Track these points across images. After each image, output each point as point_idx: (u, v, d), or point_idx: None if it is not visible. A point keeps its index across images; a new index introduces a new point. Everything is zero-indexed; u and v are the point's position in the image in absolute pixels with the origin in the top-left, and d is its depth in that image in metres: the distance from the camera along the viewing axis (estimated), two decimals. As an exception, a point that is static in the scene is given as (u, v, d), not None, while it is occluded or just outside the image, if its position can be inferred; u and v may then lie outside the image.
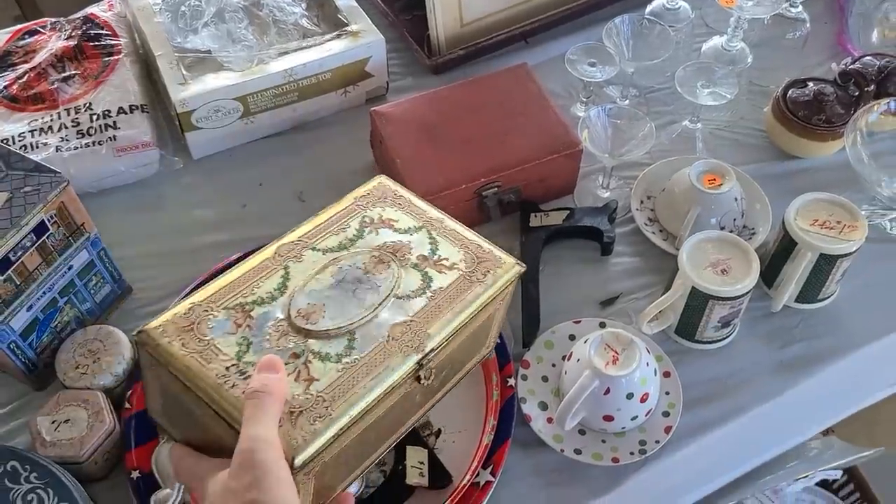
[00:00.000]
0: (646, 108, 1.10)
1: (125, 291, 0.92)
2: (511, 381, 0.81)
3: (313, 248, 0.68)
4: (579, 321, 0.88)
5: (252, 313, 0.62)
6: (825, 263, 0.85)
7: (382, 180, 0.75)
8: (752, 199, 0.96)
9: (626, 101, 1.09)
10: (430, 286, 0.66)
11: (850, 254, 0.85)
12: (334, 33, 1.05)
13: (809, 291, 0.89)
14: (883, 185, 0.95)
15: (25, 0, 2.05)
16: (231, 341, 0.60)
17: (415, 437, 0.79)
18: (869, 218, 0.96)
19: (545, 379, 0.85)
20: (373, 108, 0.98)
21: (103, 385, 0.80)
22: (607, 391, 0.77)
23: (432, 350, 0.63)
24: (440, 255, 0.68)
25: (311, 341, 0.61)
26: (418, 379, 0.64)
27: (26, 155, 0.91)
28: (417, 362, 0.62)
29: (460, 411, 0.81)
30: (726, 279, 0.82)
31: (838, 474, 1.14)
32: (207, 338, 0.60)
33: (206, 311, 0.62)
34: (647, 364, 0.78)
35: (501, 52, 1.16)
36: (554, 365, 0.85)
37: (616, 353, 0.78)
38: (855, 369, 0.88)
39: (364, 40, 1.04)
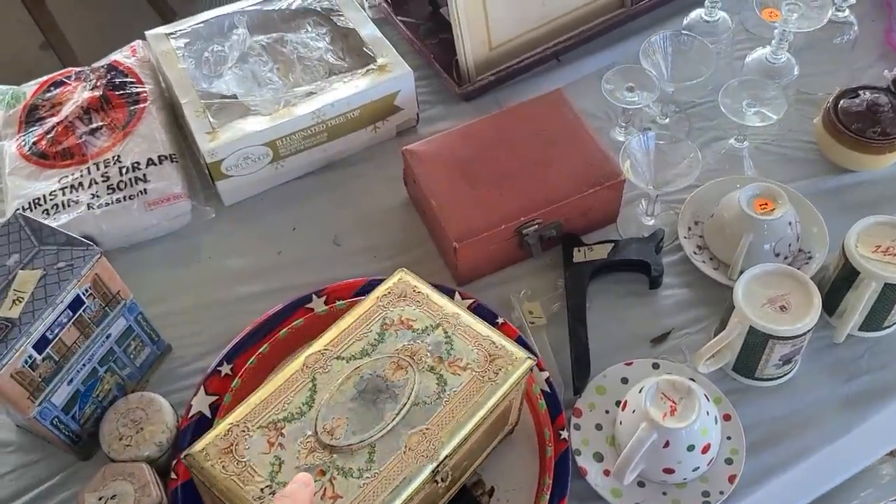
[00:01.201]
0: (687, 125, 1.05)
1: (165, 351, 0.91)
2: (564, 434, 0.78)
3: (338, 357, 0.71)
4: (631, 363, 0.85)
5: (284, 430, 0.67)
6: (891, 292, 0.81)
7: (403, 276, 0.78)
8: (807, 222, 0.92)
9: (667, 119, 1.04)
10: (444, 390, 0.69)
11: (918, 282, 0.80)
12: (362, 70, 1.02)
13: (874, 320, 0.84)
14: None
15: (48, 25, 2.06)
16: (265, 461, 0.65)
17: (468, 497, 0.77)
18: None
19: (599, 427, 0.81)
20: (405, 148, 0.96)
21: (148, 456, 0.79)
22: (666, 444, 0.74)
23: (447, 457, 0.66)
24: (454, 356, 0.71)
25: (335, 456, 0.66)
26: (436, 481, 0.67)
27: (57, 224, 0.92)
28: (433, 470, 0.66)
29: (513, 468, 0.79)
30: (786, 317, 0.78)
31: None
32: (244, 459, 0.66)
33: (243, 431, 0.67)
34: (708, 413, 0.75)
35: (533, 72, 1.12)
36: (607, 412, 0.82)
37: (674, 402, 0.75)
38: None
39: (392, 74, 1.01)
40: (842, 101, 0.97)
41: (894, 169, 0.98)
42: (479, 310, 0.86)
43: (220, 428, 0.68)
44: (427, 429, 0.66)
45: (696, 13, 1.06)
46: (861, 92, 0.97)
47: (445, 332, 0.72)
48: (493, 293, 0.92)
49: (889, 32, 1.11)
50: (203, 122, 0.98)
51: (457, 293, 0.87)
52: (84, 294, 0.76)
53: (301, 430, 0.67)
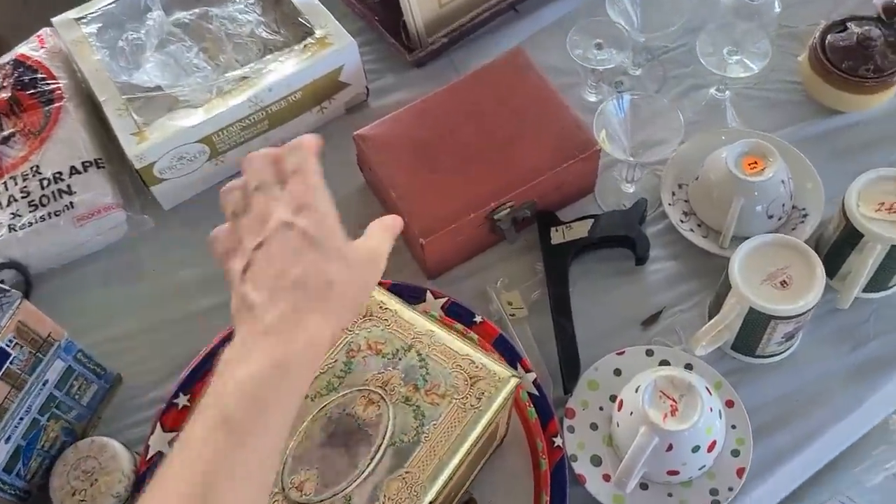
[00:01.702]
0: (662, 73, 0.96)
1: (114, 383, 0.83)
2: (557, 442, 0.72)
3: None
4: (623, 352, 0.78)
5: None
6: (897, 253, 0.74)
7: None
8: (800, 176, 0.84)
9: (639, 71, 0.95)
10: (423, 424, 0.62)
11: (927, 241, 0.73)
12: (299, 45, 0.91)
13: (879, 280, 0.78)
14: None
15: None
16: None
17: (460, 520, 0.71)
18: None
19: (594, 426, 0.75)
20: (356, 133, 0.86)
21: (107, 508, 0.72)
22: (670, 447, 0.68)
23: (431, 502, 0.59)
24: (431, 382, 0.64)
25: None
26: None
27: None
28: None
29: (506, 482, 0.73)
30: (788, 293, 0.72)
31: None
32: None
33: None
34: (711, 409, 0.69)
35: (489, 27, 1.02)
36: (602, 408, 0.76)
37: (674, 401, 0.69)
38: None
39: (333, 47, 0.91)
40: (829, 37, 0.89)
41: (887, 108, 0.90)
42: (454, 308, 0.79)
43: None
44: (407, 472, 0.59)
45: (664, -52, 0.96)
46: (849, 24, 0.89)
47: (419, 355, 0.65)
48: (468, 285, 0.85)
49: (872, -49, 1.01)
50: (127, 121, 0.87)
51: (428, 293, 0.79)
52: (9, 345, 0.68)
53: None
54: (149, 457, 0.74)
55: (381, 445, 0.60)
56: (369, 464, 0.59)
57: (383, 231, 0.55)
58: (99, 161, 0.91)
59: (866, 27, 0.87)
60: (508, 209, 0.82)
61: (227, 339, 0.76)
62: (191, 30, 0.95)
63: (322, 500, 0.59)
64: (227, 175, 0.93)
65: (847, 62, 0.87)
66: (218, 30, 0.96)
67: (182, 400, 0.77)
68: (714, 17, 0.90)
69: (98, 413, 0.81)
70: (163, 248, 0.91)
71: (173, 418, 0.76)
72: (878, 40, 0.86)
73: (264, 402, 0.45)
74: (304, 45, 0.91)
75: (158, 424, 0.76)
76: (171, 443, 0.74)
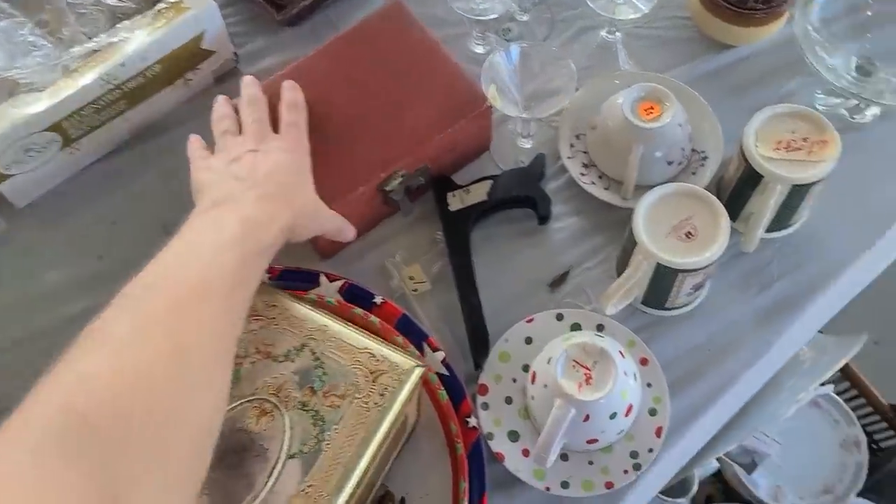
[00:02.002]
0: (550, 17, 0.92)
1: (-19, 410, 0.74)
2: (472, 422, 0.68)
3: None
4: (532, 319, 0.75)
5: None
6: (798, 192, 0.73)
7: None
8: (697, 117, 0.82)
9: (526, 16, 0.90)
10: (323, 431, 0.57)
11: (825, 178, 0.72)
12: (151, 12, 0.81)
13: (780, 220, 0.77)
14: (838, 69, 0.81)
15: None
16: None
17: (376, 515, 0.67)
18: (826, 108, 0.84)
19: (509, 400, 0.72)
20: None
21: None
22: (586, 417, 0.65)
23: None
24: (329, 383, 0.59)
25: None
26: None
27: None
28: None
29: (422, 470, 0.69)
30: (694, 245, 0.69)
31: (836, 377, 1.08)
32: None
33: None
34: (626, 373, 0.67)
35: (361, -24, 0.94)
36: (515, 380, 0.73)
37: (587, 368, 0.66)
38: (845, 292, 0.79)
39: (191, 12, 0.81)
40: (716, -31, 0.86)
41: (776, 39, 0.88)
42: (352, 290, 0.73)
43: None
44: (310, 486, 0.55)
45: None
46: (735, -45, 0.86)
47: (314, 353, 0.59)
48: (365, 262, 0.79)
49: None
50: (-42, 113, 0.76)
51: (322, 277, 0.73)
52: None
53: None
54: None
55: (278, 459, 0.55)
56: (266, 482, 0.54)
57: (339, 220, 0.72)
58: (-67, 160, 0.80)
59: (753, -43, 0.84)
60: (400, 178, 0.76)
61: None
62: (24, 4, 0.84)
63: None
64: (86, 163, 0.84)
65: (735, -5, 0.84)
66: (56, 0, 0.84)
67: (59, 422, 0.69)
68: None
69: (-35, 445, 0.73)
70: (20, 251, 0.82)
71: (51, 444, 0.68)
72: (765, -30, 0.83)
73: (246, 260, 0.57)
74: (158, 11, 0.81)
75: (34, 453, 0.68)
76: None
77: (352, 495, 0.55)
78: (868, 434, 1.12)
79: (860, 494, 1.12)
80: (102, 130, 0.82)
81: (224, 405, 0.52)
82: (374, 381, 0.59)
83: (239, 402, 0.57)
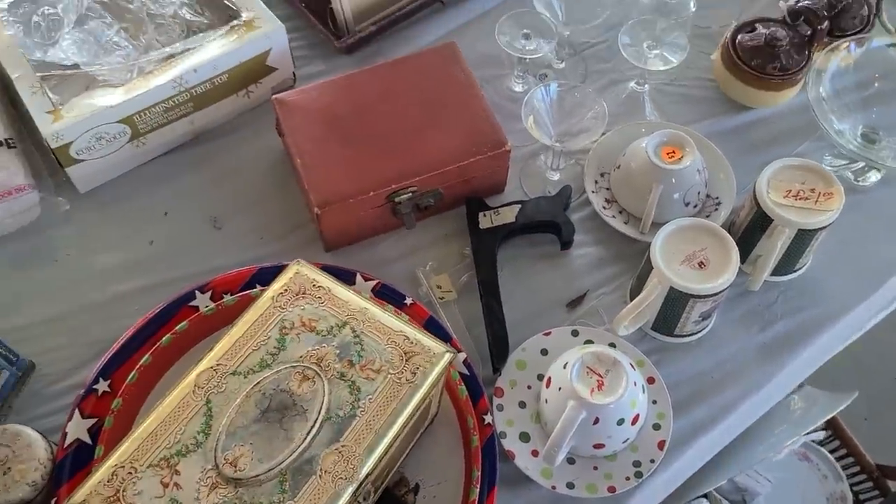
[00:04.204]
0: (584, 68, 1.00)
1: (27, 370, 0.79)
2: (488, 419, 0.73)
3: (234, 373, 0.62)
4: (549, 332, 0.80)
5: (178, 467, 0.58)
6: (803, 237, 0.79)
7: (299, 269, 0.69)
8: (714, 167, 0.89)
9: (563, 64, 0.98)
10: (358, 399, 0.62)
11: (829, 225, 0.79)
12: (225, 27, 0.90)
13: (786, 264, 0.83)
14: (846, 134, 0.89)
15: None
16: None
17: (391, 498, 0.71)
18: (833, 170, 0.91)
19: (522, 405, 0.77)
20: (275, 97, 0.86)
21: (21, 498, 0.69)
22: (596, 420, 0.70)
23: (368, 474, 0.60)
24: (366, 358, 0.64)
25: (241, 490, 0.58)
26: (358, 502, 0.60)
27: None
28: (353, 492, 0.59)
29: (437, 461, 0.73)
30: (705, 274, 0.75)
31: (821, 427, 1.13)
32: None
33: (130, 473, 0.57)
34: (636, 383, 0.72)
35: (417, 18, 1.03)
36: (529, 387, 0.78)
37: (600, 376, 0.71)
38: (841, 336, 0.84)
39: (261, 31, 0.90)
40: (739, 36, 0.94)
41: (792, 104, 0.96)
42: (384, 291, 0.79)
43: (103, 471, 0.58)
44: (343, 446, 0.59)
45: (587, -53, 0.99)
46: (757, 26, 0.94)
47: (354, 332, 0.65)
48: (398, 268, 0.85)
49: (777, -41, 1.08)
50: (42, 99, 0.84)
51: (358, 275, 0.79)
52: (-86, 326, 0.64)
53: (199, 465, 0.58)
54: (67, 443, 0.71)
55: (316, 420, 0.60)
56: (305, 438, 0.59)
57: None
58: (10, 141, 0.87)
59: (773, 28, 0.93)
60: (410, 194, 0.83)
61: (148, 324, 0.75)
62: (110, 9, 0.92)
63: (257, 475, 0.58)
64: (149, 157, 0.91)
65: (756, 60, 0.92)
66: (139, 9, 0.93)
67: (102, 385, 0.74)
68: (634, 14, 0.94)
69: (8, 402, 0.77)
70: (78, 232, 0.88)
71: (93, 404, 0.73)
72: (783, 40, 0.92)
73: None
74: (231, 27, 0.90)
75: (77, 410, 0.73)
76: (89, 430, 0.72)
77: (380, 459, 0.60)
78: (854, 493, 1.15)
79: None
80: (168, 129, 0.89)
81: None
82: (407, 361, 0.64)
83: (284, 367, 0.63)
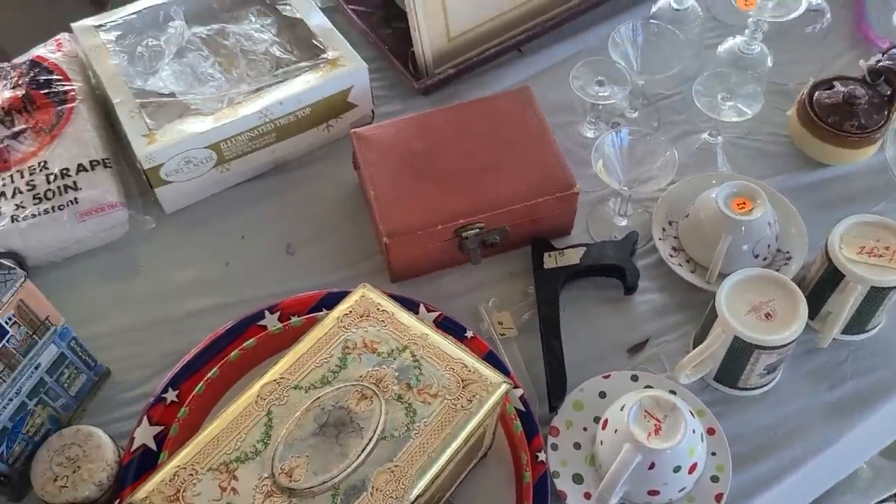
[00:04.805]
0: (657, 118, 1.01)
1: (103, 376, 0.83)
2: (541, 457, 0.73)
3: (296, 387, 0.64)
4: (609, 375, 0.80)
5: (237, 473, 0.60)
6: (876, 295, 0.77)
7: (365, 292, 0.71)
8: (785, 221, 0.88)
9: (636, 113, 1.00)
10: (414, 421, 0.63)
11: (904, 284, 0.77)
12: (310, 63, 0.94)
13: (857, 323, 0.81)
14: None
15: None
16: None
17: (440, 529, 0.71)
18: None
19: (577, 446, 0.76)
20: (353, 130, 0.89)
21: (87, 496, 0.72)
22: (652, 466, 0.69)
23: (418, 496, 0.60)
24: (424, 382, 0.65)
25: (294, 501, 0.59)
26: None
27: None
28: None
29: (488, 494, 0.73)
30: (772, 325, 0.74)
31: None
32: None
33: (192, 474, 0.60)
34: (694, 431, 0.70)
35: (494, 63, 1.06)
36: (585, 429, 0.77)
37: (658, 420, 0.70)
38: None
39: (344, 69, 0.94)
40: (816, 93, 0.94)
41: (870, 163, 0.95)
42: (446, 323, 0.80)
43: (166, 471, 0.61)
44: (396, 466, 0.60)
45: (664, 1, 1.01)
46: (836, 83, 0.94)
47: (413, 356, 0.66)
48: (460, 302, 0.87)
49: (860, 20, 1.08)
50: (139, 123, 0.89)
51: (421, 306, 0.81)
52: (7, 322, 0.68)
53: (256, 472, 0.60)
54: (133, 448, 0.74)
55: (371, 438, 0.61)
56: (360, 455, 0.60)
57: None
58: (106, 161, 0.92)
59: (852, 87, 0.92)
60: (477, 230, 0.84)
61: (218, 339, 0.79)
62: (207, 44, 0.99)
63: (311, 487, 0.59)
64: (231, 183, 0.96)
65: (833, 117, 0.91)
66: (234, 45, 0.99)
67: (170, 395, 0.77)
68: (710, 67, 0.95)
69: (83, 405, 0.81)
70: (161, 249, 0.92)
71: (161, 412, 0.76)
72: (862, 99, 0.91)
73: None
74: (317, 64, 0.94)
75: (146, 417, 0.76)
76: (155, 436, 0.75)
77: (431, 482, 0.60)
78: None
79: None
80: (251, 157, 0.94)
81: None
82: (464, 388, 0.65)
83: (344, 385, 0.64)
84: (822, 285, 0.81)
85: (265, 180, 0.97)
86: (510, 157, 0.88)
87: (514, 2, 1.04)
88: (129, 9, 1.00)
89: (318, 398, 0.63)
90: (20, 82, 0.97)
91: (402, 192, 0.85)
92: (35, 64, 0.99)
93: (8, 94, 0.95)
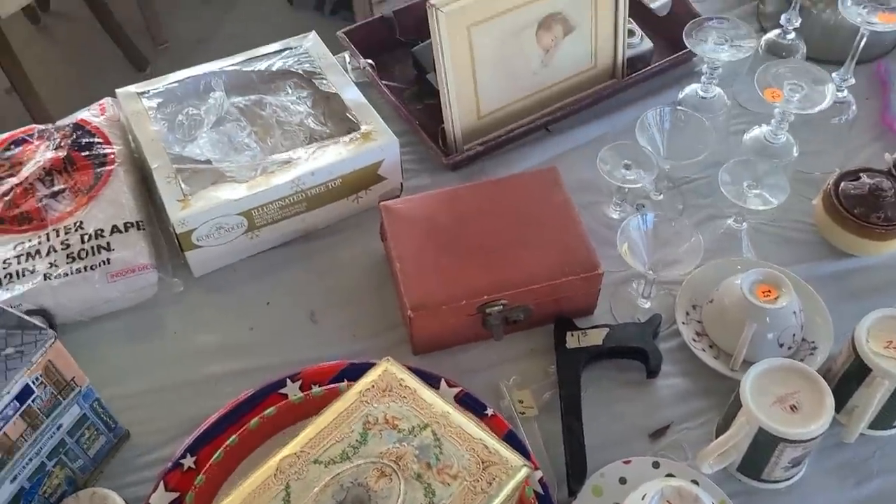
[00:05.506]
0: (682, 202, 1.02)
1: (122, 438, 0.83)
2: (559, 543, 0.72)
3: (316, 461, 0.64)
4: (629, 461, 0.79)
5: None
6: (904, 391, 0.76)
7: (388, 367, 0.71)
8: (811, 310, 0.87)
9: (661, 196, 1.01)
10: (433, 502, 0.62)
11: (933, 381, 0.76)
12: (344, 137, 0.97)
13: (885, 418, 0.80)
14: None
15: (16, 72, 1.97)
16: None
17: None
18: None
19: (596, 533, 0.75)
20: (382, 203, 0.91)
21: (98, 562, 0.71)
22: (672, 559, 0.68)
23: None
24: (444, 461, 0.65)
25: None
26: None
27: (10, 296, 0.85)
28: None
29: (503, 580, 0.72)
30: (797, 418, 0.73)
31: None
32: None
33: None
34: (716, 524, 0.69)
35: (522, 142, 1.08)
36: (605, 515, 0.76)
37: (679, 512, 0.69)
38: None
39: (376, 142, 0.96)
40: (842, 184, 0.94)
41: (895, 254, 0.95)
42: (466, 399, 0.80)
43: None
44: None
45: (692, 88, 1.03)
46: (862, 175, 0.94)
47: (434, 434, 0.66)
48: (481, 378, 0.86)
49: (885, 112, 1.09)
50: (174, 188, 0.92)
51: (443, 380, 0.81)
52: (34, 383, 0.69)
53: None
54: (148, 514, 0.74)
55: None
56: None
57: None
58: (140, 223, 0.95)
59: (878, 179, 0.93)
60: (501, 307, 0.85)
61: (239, 406, 0.79)
62: (245, 114, 1.02)
63: None
64: (260, 249, 0.97)
65: (859, 208, 0.92)
66: (270, 116, 1.02)
67: (188, 461, 0.77)
68: (736, 154, 0.96)
69: (101, 467, 0.81)
70: (187, 312, 0.93)
71: (177, 479, 0.76)
72: (888, 191, 0.91)
73: None
74: (350, 137, 0.97)
75: (162, 483, 0.75)
76: (171, 503, 0.74)
77: None
78: None
79: None
80: (281, 224, 0.96)
81: None
82: (484, 470, 0.64)
83: (364, 461, 0.64)
84: (848, 378, 0.80)
85: (293, 247, 0.99)
86: (535, 236, 0.89)
87: (543, 83, 1.07)
88: (172, 77, 1.04)
89: (338, 474, 0.63)
90: (62, 144, 1.00)
91: (428, 266, 0.86)
92: (78, 126, 1.02)
93: (50, 154, 0.99)
